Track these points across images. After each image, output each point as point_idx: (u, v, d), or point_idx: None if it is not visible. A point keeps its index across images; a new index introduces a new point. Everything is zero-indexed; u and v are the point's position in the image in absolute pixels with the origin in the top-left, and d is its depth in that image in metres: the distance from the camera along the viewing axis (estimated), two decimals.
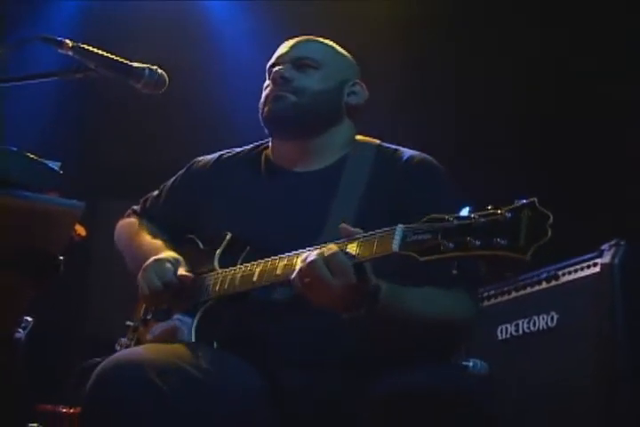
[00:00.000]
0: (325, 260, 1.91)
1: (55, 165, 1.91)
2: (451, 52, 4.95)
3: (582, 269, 3.28)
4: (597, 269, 3.20)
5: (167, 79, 2.29)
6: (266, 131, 2.50)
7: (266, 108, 2.44)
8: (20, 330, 3.06)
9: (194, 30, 5.29)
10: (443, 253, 1.74)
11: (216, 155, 2.65)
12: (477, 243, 1.69)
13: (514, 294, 3.56)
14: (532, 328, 3.42)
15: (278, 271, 2.10)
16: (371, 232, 1.92)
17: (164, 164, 5.23)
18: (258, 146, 2.61)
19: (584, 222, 4.01)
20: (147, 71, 2.27)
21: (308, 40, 2.54)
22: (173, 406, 1.91)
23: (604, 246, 3.21)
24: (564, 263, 3.36)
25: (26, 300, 2.17)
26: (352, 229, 1.96)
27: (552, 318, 3.34)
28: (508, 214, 1.68)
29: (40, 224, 1.87)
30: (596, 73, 4.50)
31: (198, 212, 2.51)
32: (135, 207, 2.75)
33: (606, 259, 3.17)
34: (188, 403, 1.94)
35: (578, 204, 4.18)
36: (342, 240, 1.96)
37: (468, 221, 1.73)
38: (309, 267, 1.92)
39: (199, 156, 2.72)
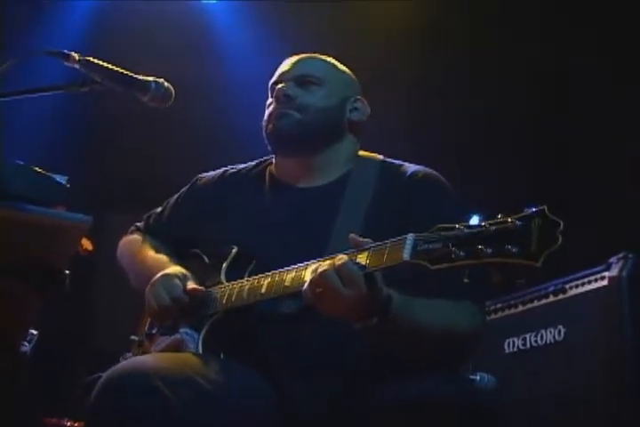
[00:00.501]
0: (336, 270, 1.91)
1: (62, 179, 1.91)
2: (464, 55, 4.95)
3: (590, 282, 3.27)
4: (605, 282, 3.20)
5: (173, 92, 2.30)
6: (269, 148, 2.51)
7: (270, 126, 2.46)
8: (26, 343, 3.06)
9: (199, 42, 5.30)
10: (454, 262, 1.75)
11: (220, 171, 2.66)
12: (489, 251, 1.70)
13: (521, 308, 3.55)
14: (539, 342, 3.41)
15: (287, 283, 2.10)
16: (381, 242, 1.93)
17: (167, 178, 5.27)
18: (261, 162, 2.63)
19: (592, 235, 4.00)
20: (153, 84, 2.27)
21: (309, 58, 2.56)
22: (180, 417, 1.90)
23: (612, 259, 3.20)
24: (572, 277, 3.36)
25: (31, 312, 2.17)
26: (361, 239, 1.97)
27: (559, 332, 3.32)
28: (519, 222, 1.69)
29: (47, 238, 1.87)
30: (610, 78, 4.49)
31: (202, 227, 2.52)
32: (138, 224, 2.76)
33: (614, 272, 3.16)
34: (195, 414, 1.93)
35: (585, 217, 4.16)
36: (352, 250, 1.97)
37: (478, 230, 1.74)
38: (321, 277, 1.93)
39: (205, 170, 2.72)
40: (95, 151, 5.42)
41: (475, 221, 1.77)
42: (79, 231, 1.88)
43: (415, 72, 4.95)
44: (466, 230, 1.75)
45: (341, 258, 1.94)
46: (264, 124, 2.49)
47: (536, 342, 3.42)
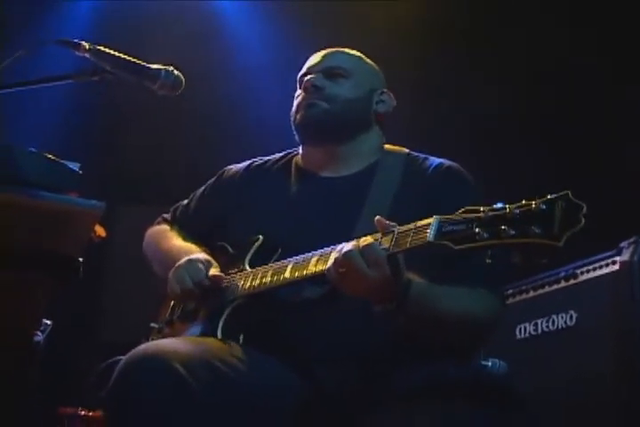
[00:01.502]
0: (361, 251, 1.95)
1: (75, 166, 1.92)
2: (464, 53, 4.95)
3: (601, 267, 3.26)
4: (616, 267, 3.18)
5: (183, 80, 2.30)
6: (296, 138, 2.56)
7: (298, 115, 2.52)
8: (39, 333, 3.06)
9: (208, 34, 5.30)
10: (477, 242, 1.78)
11: (246, 163, 2.70)
12: (512, 232, 1.73)
13: (532, 293, 3.55)
14: (550, 327, 3.40)
15: (311, 266, 2.13)
16: (406, 225, 1.96)
17: (178, 168, 5.28)
18: (287, 154, 2.66)
19: (602, 220, 3.99)
20: (163, 72, 2.28)
21: (337, 51, 2.62)
22: (198, 400, 1.92)
23: (623, 244, 3.19)
24: (583, 262, 3.34)
25: (44, 301, 2.17)
26: (387, 222, 2.00)
27: (571, 317, 3.32)
28: (543, 206, 1.72)
29: (60, 225, 1.88)
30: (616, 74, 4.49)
31: (229, 219, 2.54)
32: (165, 215, 2.79)
33: (625, 257, 3.15)
34: (213, 397, 1.95)
35: (596, 201, 4.15)
36: (378, 233, 2.00)
37: (502, 212, 1.77)
38: (345, 257, 1.96)
39: (216, 160, 2.77)
40: (106, 141, 5.42)
41: (499, 204, 1.79)
42: (92, 217, 1.89)
43: (416, 72, 4.96)
44: (490, 213, 1.79)
45: (366, 239, 1.97)
46: (292, 114, 2.56)
47: (547, 327, 3.41)
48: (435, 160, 2.47)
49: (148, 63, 2.29)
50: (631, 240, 3.17)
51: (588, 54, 4.59)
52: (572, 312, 3.32)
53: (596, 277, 3.27)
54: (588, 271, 3.31)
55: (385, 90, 2.60)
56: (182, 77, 2.30)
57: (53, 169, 1.90)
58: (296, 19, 5.06)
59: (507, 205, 1.77)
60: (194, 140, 5.40)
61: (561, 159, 4.59)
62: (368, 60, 2.65)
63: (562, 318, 3.35)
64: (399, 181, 2.41)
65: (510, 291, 3.63)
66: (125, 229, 2.84)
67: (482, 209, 1.80)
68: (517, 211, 1.74)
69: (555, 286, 3.45)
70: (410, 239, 1.91)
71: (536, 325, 3.47)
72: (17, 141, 1.93)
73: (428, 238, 1.86)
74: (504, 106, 4.82)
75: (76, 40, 2.25)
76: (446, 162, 2.46)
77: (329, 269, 2.00)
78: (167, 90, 2.29)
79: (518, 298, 3.61)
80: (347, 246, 1.98)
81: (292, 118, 2.56)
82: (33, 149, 1.93)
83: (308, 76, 2.53)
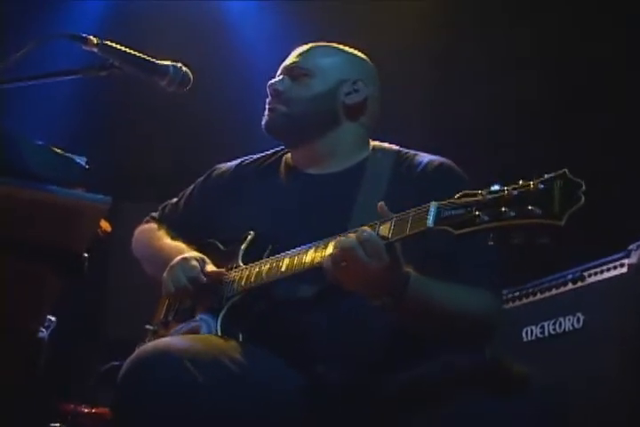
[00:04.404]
0: (360, 241, 1.92)
1: (82, 160, 1.91)
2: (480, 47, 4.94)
3: (609, 269, 3.24)
4: (624, 269, 3.16)
5: (191, 77, 2.29)
6: None
7: (262, 121, 2.51)
8: (43, 329, 3.06)
9: (214, 32, 5.29)
10: (478, 225, 1.75)
11: (236, 162, 2.68)
12: (512, 213, 1.71)
13: (539, 296, 3.53)
14: (557, 330, 3.38)
15: (307, 260, 2.11)
16: (404, 212, 1.93)
17: (181, 165, 5.26)
18: (277, 151, 2.65)
19: (611, 222, 3.98)
20: (171, 68, 2.27)
21: (306, 48, 2.56)
22: (208, 397, 1.92)
23: (632, 246, 3.17)
24: (591, 264, 3.32)
25: (49, 297, 2.16)
26: (387, 210, 1.98)
27: (578, 320, 3.30)
28: (541, 185, 1.70)
29: (66, 219, 1.86)
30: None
31: (218, 218, 2.54)
32: (154, 214, 2.78)
33: (634, 259, 3.13)
34: (223, 395, 1.95)
35: (605, 203, 4.13)
36: (376, 221, 1.98)
37: (501, 194, 1.74)
38: (344, 250, 1.93)
39: (220, 158, 2.75)
40: (111, 137, 5.41)
41: (496, 186, 1.77)
42: (99, 212, 1.87)
43: (429, 59, 4.95)
44: (488, 196, 1.76)
45: (364, 230, 1.94)
46: None
47: (554, 330, 3.39)
48: (425, 157, 2.44)
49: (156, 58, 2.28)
50: (639, 243, 3.16)
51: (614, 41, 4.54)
52: (579, 315, 3.30)
53: (604, 279, 3.25)
54: (595, 274, 3.29)
55: (361, 78, 2.51)
56: (190, 74, 2.29)
57: (60, 162, 1.89)
58: (308, 10, 5.04)
59: (505, 187, 1.75)
60: (198, 137, 5.40)
61: (570, 160, 4.56)
62: (343, 49, 2.58)
63: (569, 320, 3.33)
64: (390, 178, 2.39)
65: (517, 293, 3.61)
66: (129, 226, 2.83)
67: (480, 192, 1.78)
68: (516, 192, 1.72)
69: (562, 289, 3.43)
70: (409, 226, 1.89)
71: (543, 327, 3.45)
72: (24, 134, 1.92)
73: (427, 224, 1.84)
74: (529, 106, 4.79)
75: (84, 34, 2.23)
76: (438, 158, 2.43)
77: (327, 264, 1.97)
78: (176, 86, 2.28)
79: (525, 300, 3.59)
80: (345, 237, 1.96)
81: None
82: (40, 142, 1.92)
83: (273, 80, 2.53)
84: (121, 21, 5.03)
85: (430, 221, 1.83)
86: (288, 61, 2.55)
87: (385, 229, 1.94)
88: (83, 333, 4.84)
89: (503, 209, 1.72)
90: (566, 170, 1.70)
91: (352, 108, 2.49)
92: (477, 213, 1.75)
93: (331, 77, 2.49)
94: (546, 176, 1.71)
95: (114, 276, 5.12)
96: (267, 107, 2.50)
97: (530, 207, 1.69)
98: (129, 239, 2.76)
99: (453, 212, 1.81)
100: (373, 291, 1.97)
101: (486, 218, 1.74)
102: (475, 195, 1.79)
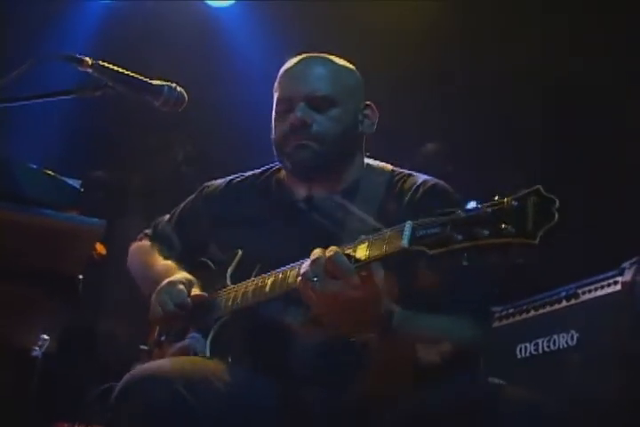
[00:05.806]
0: (326, 261, 1.91)
1: (75, 183, 1.91)
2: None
3: (603, 287, 3.25)
4: (618, 287, 3.17)
5: (186, 96, 2.29)
6: (284, 167, 2.50)
7: (285, 155, 2.42)
8: (37, 348, 3.06)
9: (209, 42, 5.28)
10: (452, 245, 1.73)
11: (226, 179, 2.67)
12: (486, 232, 1.69)
13: (533, 313, 3.53)
14: (551, 347, 3.38)
15: (290, 279, 2.11)
16: (380, 232, 1.92)
17: (177, 181, 5.26)
18: (268, 169, 2.63)
19: (604, 240, 3.98)
20: (165, 89, 2.26)
21: (316, 68, 2.45)
22: (200, 418, 1.94)
23: (625, 264, 3.18)
24: (585, 281, 3.33)
25: (43, 317, 2.16)
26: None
27: (572, 337, 3.30)
28: (514, 202, 1.69)
29: (60, 242, 1.87)
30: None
31: (209, 236, 2.54)
32: (147, 231, 2.78)
33: (627, 277, 3.14)
34: (213, 414, 1.97)
35: (598, 221, 4.15)
36: (352, 243, 1.96)
37: (475, 213, 1.73)
38: (312, 264, 1.92)
39: (215, 174, 2.73)
40: (107, 155, 5.42)
41: (472, 204, 1.77)
42: (93, 236, 1.88)
43: (424, 72, 4.96)
44: (463, 214, 1.75)
45: (332, 249, 1.93)
46: (277, 143, 2.45)
47: (548, 347, 3.39)
48: (420, 177, 2.43)
49: (148, 74, 2.27)
50: (633, 260, 3.17)
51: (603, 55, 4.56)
52: (572, 332, 3.30)
53: (598, 297, 3.26)
54: (589, 291, 3.30)
55: (367, 103, 2.49)
56: (185, 94, 2.29)
57: (54, 186, 1.89)
58: (301, 19, 5.04)
59: (480, 206, 1.74)
60: (193, 151, 5.41)
61: (564, 179, 4.57)
62: (347, 67, 2.51)
63: (563, 337, 3.33)
64: (383, 199, 2.38)
65: (511, 310, 3.62)
66: (126, 242, 2.83)
67: (455, 211, 1.77)
68: (490, 210, 1.71)
69: (556, 306, 3.43)
70: (385, 247, 1.87)
71: (537, 344, 3.45)
72: (17, 157, 1.91)
73: (402, 244, 1.81)
74: (519, 121, 4.80)
75: (78, 55, 2.23)
76: (432, 179, 2.41)
77: (299, 280, 1.95)
78: (170, 106, 2.27)
79: (519, 317, 3.59)
80: (313, 255, 1.93)
81: (275, 147, 2.46)
82: (33, 166, 1.91)
83: (295, 112, 2.38)
84: (113, 35, 5.02)
85: (406, 241, 1.81)
86: (302, 85, 2.42)
87: (362, 249, 1.92)
88: (79, 350, 4.82)
89: (477, 229, 1.70)
90: (540, 186, 1.68)
91: (368, 135, 2.49)
92: (451, 232, 1.74)
93: (351, 104, 2.44)
94: (519, 193, 1.70)
95: (110, 293, 5.11)
96: (293, 142, 2.38)
97: (503, 226, 1.67)
98: (124, 257, 2.77)
99: (429, 231, 1.79)
100: (352, 323, 1.95)
101: (460, 237, 1.72)
102: (450, 213, 1.77)
